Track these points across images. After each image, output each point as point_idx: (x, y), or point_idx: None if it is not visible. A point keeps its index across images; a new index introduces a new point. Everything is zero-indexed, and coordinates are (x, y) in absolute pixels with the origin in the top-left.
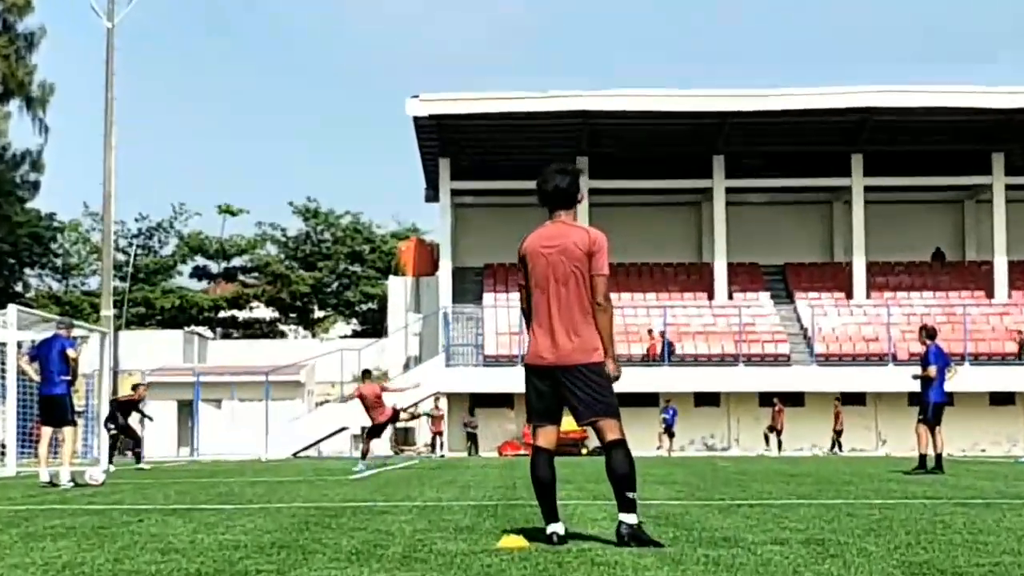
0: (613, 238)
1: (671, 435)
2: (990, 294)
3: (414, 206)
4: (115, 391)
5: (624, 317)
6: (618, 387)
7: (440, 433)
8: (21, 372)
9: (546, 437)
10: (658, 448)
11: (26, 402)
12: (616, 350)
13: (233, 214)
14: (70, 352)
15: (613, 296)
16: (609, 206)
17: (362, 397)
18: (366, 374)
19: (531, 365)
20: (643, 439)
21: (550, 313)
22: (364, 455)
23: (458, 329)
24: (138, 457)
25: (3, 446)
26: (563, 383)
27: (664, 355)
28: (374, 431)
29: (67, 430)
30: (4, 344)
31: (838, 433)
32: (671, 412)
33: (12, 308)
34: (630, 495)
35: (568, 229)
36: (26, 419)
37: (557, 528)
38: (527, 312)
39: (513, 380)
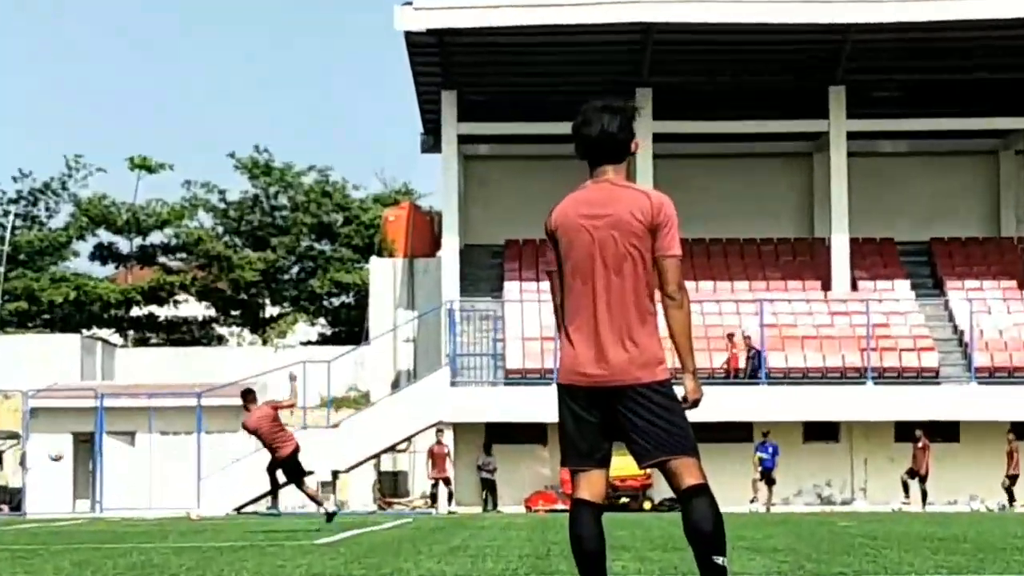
0: (684, 204)
1: (770, 483)
2: None
3: (406, 159)
4: None
5: (704, 316)
6: (693, 415)
7: (445, 480)
8: None
9: (591, 486)
10: (752, 500)
11: None
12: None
13: (150, 170)
14: None
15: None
16: (679, 158)
17: (255, 432)
18: (248, 396)
19: (569, 385)
20: (730, 488)
21: (595, 312)
22: (320, 502)
23: (468, 332)
24: None
25: None
26: (617, 410)
27: (758, 369)
28: (293, 473)
29: None
30: None
31: (1011, 479)
32: (770, 450)
33: None
34: (718, 561)
35: (621, 192)
36: None
37: None
38: (560, 310)
39: (546, 405)
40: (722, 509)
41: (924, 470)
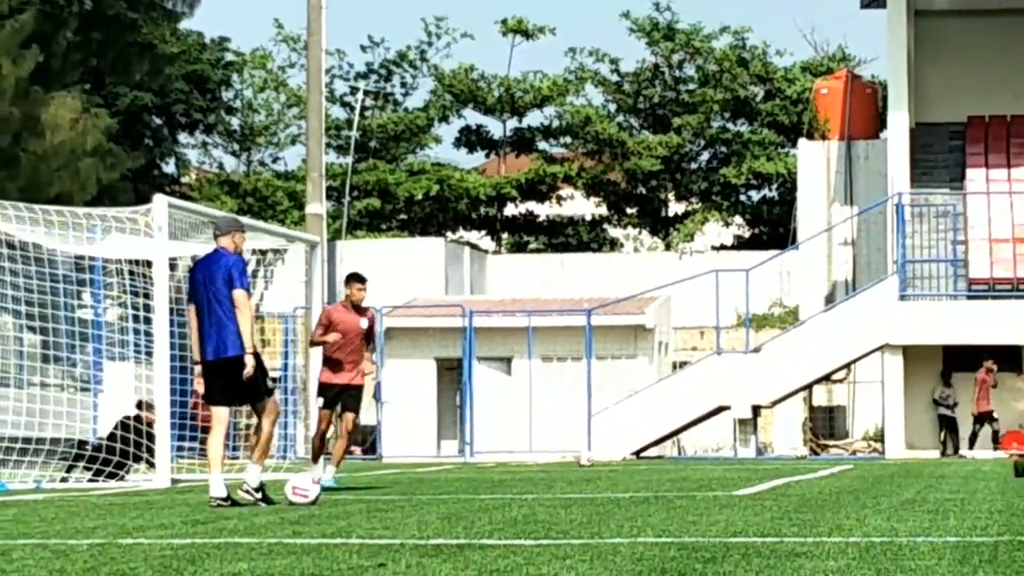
0: None
1: None
2: None
3: (841, 16)
4: None
5: None
6: None
7: (981, 417)
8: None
9: None
10: None
11: (187, 366)
12: None
13: (527, 35)
14: (240, 291)
15: None
16: None
17: (332, 326)
18: (354, 281)
19: None
20: None
21: None
22: (318, 456)
23: (921, 233)
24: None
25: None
26: None
27: None
28: (347, 399)
29: (265, 409)
30: (148, 265)
31: None
32: None
33: (160, 201)
34: None
35: None
36: (185, 393)
37: None
38: None
39: (1021, 323)
40: None
41: None
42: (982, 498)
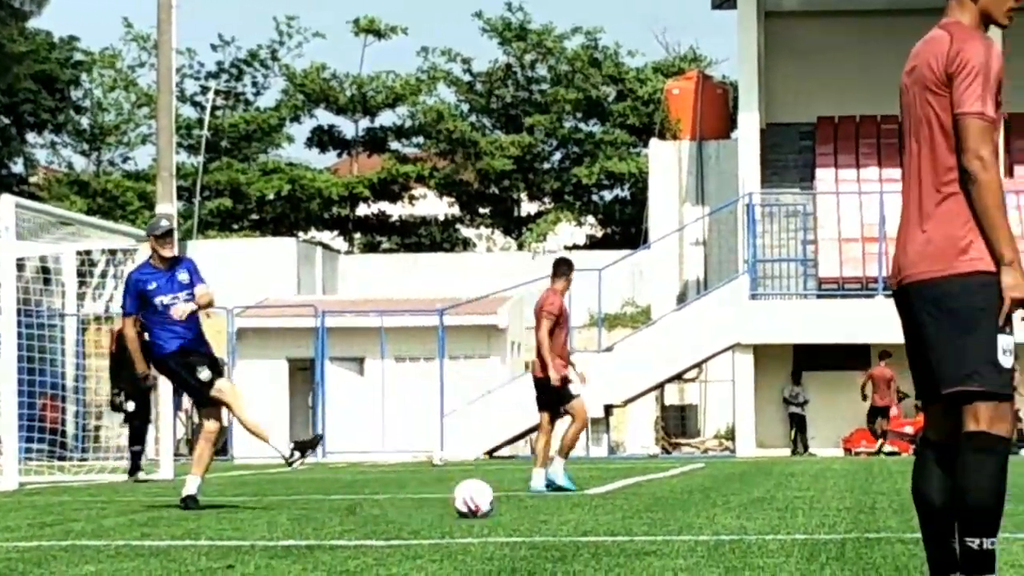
0: None
1: None
2: None
3: (691, 18)
4: None
5: None
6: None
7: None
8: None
9: (932, 421)
10: None
11: (34, 367)
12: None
13: (379, 35)
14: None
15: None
16: None
17: (562, 317)
18: (568, 268)
19: (893, 288)
20: None
21: (905, 192)
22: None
23: (772, 232)
24: (134, 461)
25: None
26: (913, 320)
27: None
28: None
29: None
30: None
31: None
32: None
33: (7, 201)
34: (974, 544)
35: (934, 35)
36: (33, 395)
37: None
38: None
39: (868, 321)
40: None
41: None
42: (831, 496)
